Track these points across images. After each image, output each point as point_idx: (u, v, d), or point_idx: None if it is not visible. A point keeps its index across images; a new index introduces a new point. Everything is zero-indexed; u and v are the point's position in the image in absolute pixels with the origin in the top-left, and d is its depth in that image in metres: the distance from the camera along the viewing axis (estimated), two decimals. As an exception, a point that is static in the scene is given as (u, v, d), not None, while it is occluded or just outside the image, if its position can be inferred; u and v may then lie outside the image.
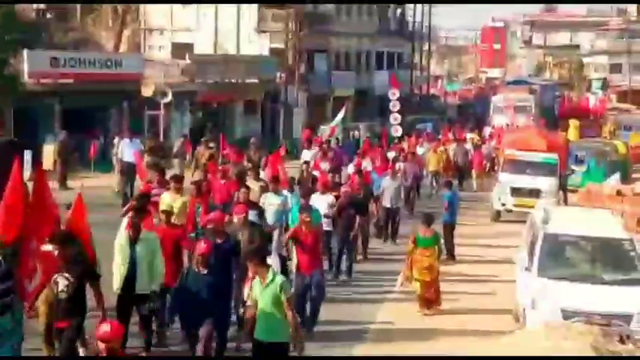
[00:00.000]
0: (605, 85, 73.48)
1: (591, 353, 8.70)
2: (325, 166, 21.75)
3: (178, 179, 14.85)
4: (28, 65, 30.32)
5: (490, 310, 14.06)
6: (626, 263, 12.53)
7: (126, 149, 24.16)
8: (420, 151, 28.79)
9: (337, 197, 16.20)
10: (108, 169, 27.16)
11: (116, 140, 26.06)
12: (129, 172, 22.43)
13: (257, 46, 45.41)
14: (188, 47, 43.86)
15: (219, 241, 10.83)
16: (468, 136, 36.29)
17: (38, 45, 33.73)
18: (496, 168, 30.53)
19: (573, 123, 40.83)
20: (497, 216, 23.78)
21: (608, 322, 10.22)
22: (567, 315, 11.01)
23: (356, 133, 38.44)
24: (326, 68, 49.37)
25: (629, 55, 71.21)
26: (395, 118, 35.42)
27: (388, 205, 19.40)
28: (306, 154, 24.84)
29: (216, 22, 45.58)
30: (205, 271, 9.89)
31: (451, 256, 17.63)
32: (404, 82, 60.16)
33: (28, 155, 27.67)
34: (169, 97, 31.73)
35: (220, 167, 19.22)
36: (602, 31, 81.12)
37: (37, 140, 28.93)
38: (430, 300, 13.73)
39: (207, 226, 11.68)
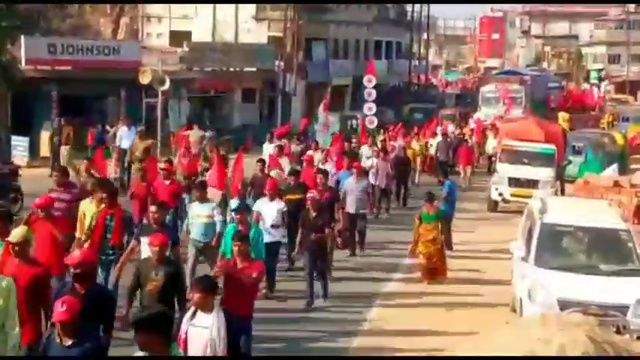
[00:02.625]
0: (600, 76, 73.49)
1: (588, 344, 8.68)
2: (285, 163, 18.98)
3: (105, 185, 12.30)
4: (25, 52, 30.25)
5: (487, 301, 14.07)
6: (623, 254, 12.53)
7: (124, 137, 24.15)
8: (395, 144, 25.74)
9: (301, 201, 14.08)
10: (106, 156, 27.09)
11: (113, 128, 26.00)
12: (124, 159, 22.58)
13: (255, 34, 45.30)
14: (186, 35, 43.77)
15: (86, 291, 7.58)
16: (450, 128, 33.65)
17: (36, 31, 33.65)
18: (475, 164, 29.60)
19: (562, 116, 40.14)
20: (494, 206, 23.77)
21: (605, 313, 10.21)
22: (564, 305, 11.00)
23: (354, 122, 38.36)
24: (324, 57, 49.28)
25: (628, 45, 71.13)
26: (369, 108, 31.53)
27: (352, 211, 16.59)
28: (266, 149, 21.87)
29: (215, 10, 45.43)
30: (70, 342, 6.64)
31: (448, 247, 17.62)
32: (402, 72, 60.46)
33: (25, 142, 27.75)
34: (167, 85, 31.61)
35: (164, 163, 16.68)
36: (601, 22, 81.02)
37: (34, 127, 28.91)
38: (434, 270, 15.03)
39: (74, 268, 7.79)
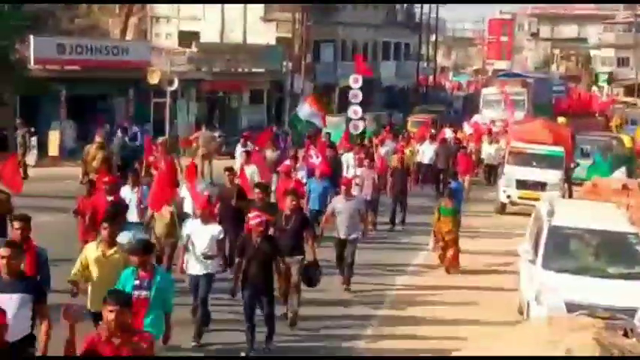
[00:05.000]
0: (610, 79, 73.26)
1: (595, 347, 8.67)
2: (251, 171, 16.72)
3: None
4: (34, 51, 30.35)
5: (494, 302, 14.06)
6: (631, 257, 12.50)
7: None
8: (382, 150, 23.33)
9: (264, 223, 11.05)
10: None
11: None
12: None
13: (263, 35, 45.36)
14: (195, 35, 43.90)
15: None
16: (448, 134, 31.28)
17: (44, 31, 33.74)
18: (477, 171, 28.36)
19: (560, 121, 39.29)
20: (502, 208, 23.75)
21: (612, 316, 10.19)
22: (571, 308, 10.98)
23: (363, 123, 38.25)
24: (332, 58, 49.30)
25: (637, 48, 70.95)
26: (354, 112, 27.10)
27: (342, 236, 14.25)
28: (240, 154, 19.65)
29: (223, 11, 45.52)
30: None
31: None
32: (411, 74, 60.41)
33: (34, 141, 27.86)
34: (175, 86, 31.71)
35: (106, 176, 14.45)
36: (609, 25, 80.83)
37: (42, 127, 29.00)
38: (450, 262, 16.12)
39: None
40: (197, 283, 11.17)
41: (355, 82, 27.04)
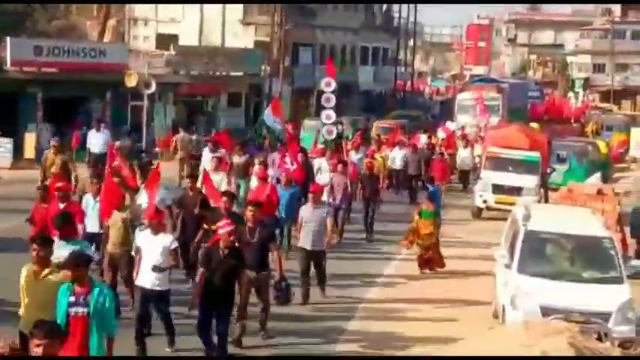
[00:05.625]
0: (586, 85, 73.77)
1: (569, 350, 8.74)
2: (218, 179, 15.82)
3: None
4: (10, 53, 30.15)
5: (470, 307, 14.11)
6: (606, 261, 12.59)
7: (93, 140, 24.07)
8: (355, 157, 22.53)
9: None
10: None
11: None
12: (95, 163, 21.33)
13: (242, 38, 45.37)
14: (173, 38, 43.79)
15: None
16: (422, 139, 31.17)
17: (22, 33, 33.53)
18: (451, 178, 27.89)
19: (534, 127, 39.30)
20: (478, 213, 23.85)
21: (587, 320, 10.27)
22: (546, 312, 11.05)
23: (339, 127, 38.29)
24: (311, 62, 49.34)
25: (613, 55, 71.54)
26: (328, 116, 25.53)
27: (308, 247, 13.52)
28: (207, 159, 18.62)
29: (202, 14, 45.47)
30: None
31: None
32: (389, 78, 60.54)
33: (9, 144, 27.67)
34: (153, 88, 31.58)
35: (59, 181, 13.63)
36: (586, 31, 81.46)
37: (18, 129, 28.81)
38: (429, 261, 16.36)
39: None
40: (146, 296, 10.62)
41: (328, 85, 25.41)
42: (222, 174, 16.42)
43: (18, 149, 28.25)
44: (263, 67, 42.68)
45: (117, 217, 12.01)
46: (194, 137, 26.40)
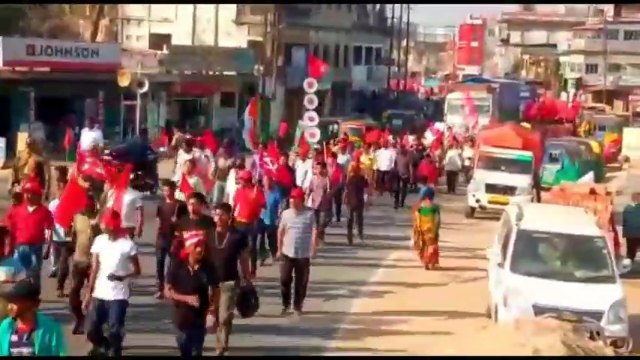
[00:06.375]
0: (579, 85, 73.86)
1: (562, 349, 8.77)
2: (194, 182, 14.85)
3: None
4: (3, 52, 30.08)
5: (462, 306, 14.11)
6: (598, 261, 12.62)
7: (84, 138, 24.05)
8: (341, 159, 21.55)
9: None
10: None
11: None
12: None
13: (235, 38, 45.35)
14: (166, 38, 43.76)
15: None
16: (410, 140, 30.68)
17: (14, 32, 33.47)
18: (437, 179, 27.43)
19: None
20: (471, 212, 23.89)
21: (579, 319, 10.30)
22: (539, 311, 11.07)
23: (334, 127, 38.34)
24: (304, 62, 49.30)
25: (605, 55, 71.66)
26: (310, 118, 24.30)
27: (291, 255, 12.62)
28: (182, 160, 17.42)
29: (195, 14, 45.42)
30: None
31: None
32: (382, 78, 60.60)
33: (1, 143, 27.60)
34: (146, 88, 31.56)
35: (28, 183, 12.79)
36: (578, 31, 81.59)
37: (11, 128, 28.75)
38: (430, 257, 16.81)
39: None
40: (102, 309, 9.84)
41: (310, 86, 24.35)
42: (196, 178, 15.25)
43: (10, 148, 28.18)
44: (256, 67, 42.67)
45: (85, 224, 11.15)
46: (187, 136, 26.40)
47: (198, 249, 9.10)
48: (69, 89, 31.33)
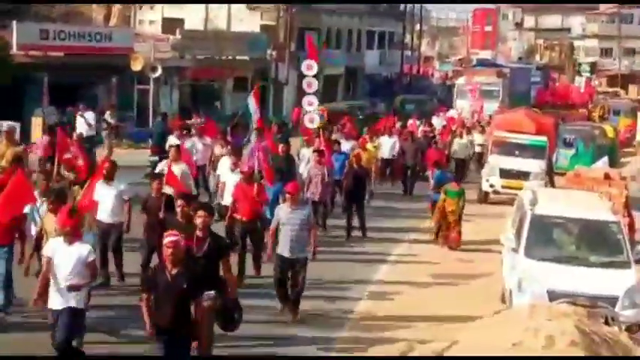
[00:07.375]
0: (593, 69, 73.38)
1: (576, 334, 8.72)
2: (178, 170, 13.96)
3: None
4: (17, 37, 30.11)
5: (477, 291, 14.10)
6: (613, 246, 12.59)
7: (79, 124, 24.05)
8: (344, 146, 20.56)
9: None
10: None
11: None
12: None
13: (248, 22, 45.22)
14: (179, 22, 43.66)
15: None
16: (418, 125, 29.84)
17: (27, 17, 33.50)
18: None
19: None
20: (485, 197, 23.83)
21: (594, 304, 10.26)
22: (553, 296, 11.05)
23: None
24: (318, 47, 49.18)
25: (620, 39, 71.19)
26: (309, 103, 23.20)
27: (286, 254, 11.58)
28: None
29: (208, -2, 45.30)
30: None
31: (437, 236, 17.75)
32: (395, 62, 60.30)
33: (16, 127, 27.60)
34: (159, 73, 31.55)
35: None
36: (593, 15, 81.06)
37: (25, 113, 28.81)
38: (452, 239, 17.25)
39: None
40: (57, 319, 9.00)
41: (309, 68, 23.27)
42: (183, 165, 14.56)
43: (25, 133, 28.25)
44: (269, 52, 42.57)
45: (53, 224, 10.13)
46: (199, 121, 26.44)
47: (170, 250, 8.26)
48: (82, 74, 31.35)
